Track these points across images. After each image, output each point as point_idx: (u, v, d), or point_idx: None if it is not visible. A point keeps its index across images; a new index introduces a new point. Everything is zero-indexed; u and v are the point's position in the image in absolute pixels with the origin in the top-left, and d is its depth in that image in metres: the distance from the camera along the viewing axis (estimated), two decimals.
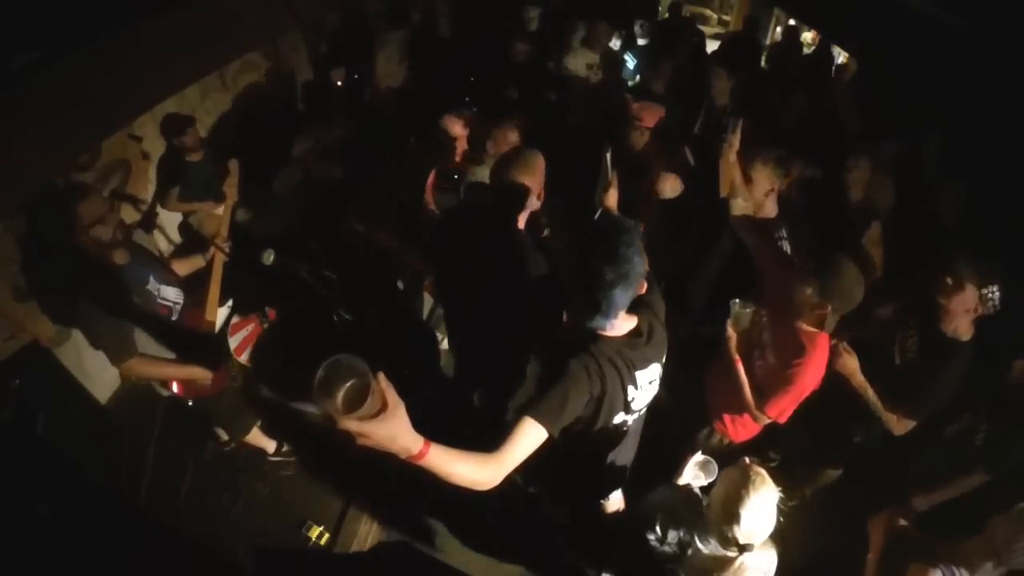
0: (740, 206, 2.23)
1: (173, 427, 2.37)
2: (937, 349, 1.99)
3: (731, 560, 1.40)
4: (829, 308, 1.80)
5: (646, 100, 3.08)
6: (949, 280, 1.91)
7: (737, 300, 1.98)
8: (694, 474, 1.77)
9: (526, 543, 2.48)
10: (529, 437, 1.26)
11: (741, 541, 1.38)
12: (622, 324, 1.43)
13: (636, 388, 1.49)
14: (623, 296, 1.30)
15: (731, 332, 2.00)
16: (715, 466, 1.72)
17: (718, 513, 1.41)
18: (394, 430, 0.93)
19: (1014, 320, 1.98)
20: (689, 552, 1.50)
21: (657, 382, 1.60)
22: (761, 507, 1.36)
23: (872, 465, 2.37)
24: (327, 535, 2.41)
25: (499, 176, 1.90)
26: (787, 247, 2.38)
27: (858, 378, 2.02)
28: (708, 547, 1.46)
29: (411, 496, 2.60)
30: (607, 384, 1.39)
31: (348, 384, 0.90)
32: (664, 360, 1.59)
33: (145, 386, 2.32)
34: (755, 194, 2.33)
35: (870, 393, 2.02)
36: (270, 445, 2.64)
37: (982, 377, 2.02)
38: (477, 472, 1.15)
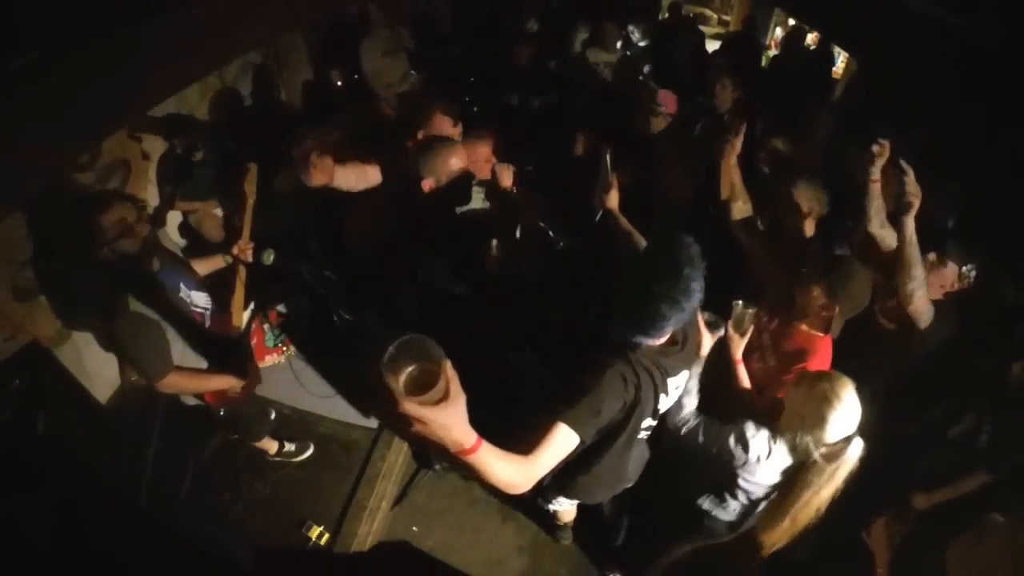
0: (740, 209, 2.23)
1: (173, 427, 2.36)
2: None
3: (842, 449, 1.51)
4: (836, 310, 1.80)
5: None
6: (932, 256, 1.98)
7: (740, 301, 1.98)
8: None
9: (527, 542, 2.48)
10: (562, 442, 1.25)
11: (845, 436, 1.52)
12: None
13: (667, 395, 1.49)
14: (675, 325, 1.29)
15: (732, 333, 2.00)
16: (721, 322, 1.81)
17: (815, 430, 1.52)
18: (452, 420, 0.91)
19: (1015, 322, 1.99)
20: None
21: (683, 388, 1.61)
22: (849, 405, 1.51)
23: (874, 465, 2.36)
24: (327, 535, 2.40)
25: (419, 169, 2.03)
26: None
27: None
28: (820, 453, 1.54)
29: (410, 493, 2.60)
30: (641, 392, 1.38)
31: (412, 367, 0.89)
32: (692, 366, 1.59)
33: (145, 386, 2.24)
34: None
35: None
36: (271, 446, 2.64)
37: (984, 379, 2.02)
38: (515, 474, 1.13)
